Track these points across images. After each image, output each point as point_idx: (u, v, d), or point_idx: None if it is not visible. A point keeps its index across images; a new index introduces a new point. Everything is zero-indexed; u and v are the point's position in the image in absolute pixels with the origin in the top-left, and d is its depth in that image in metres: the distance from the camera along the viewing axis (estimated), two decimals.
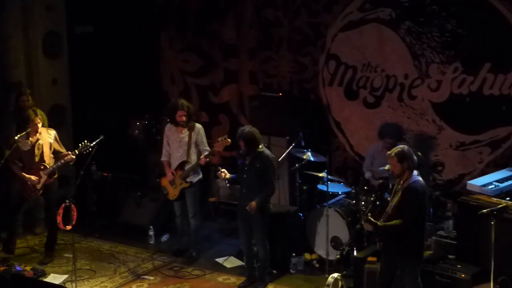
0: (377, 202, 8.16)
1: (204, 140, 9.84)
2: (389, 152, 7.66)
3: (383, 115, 10.63)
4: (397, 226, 7.42)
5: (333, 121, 11.14)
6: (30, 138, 9.64)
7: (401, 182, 7.58)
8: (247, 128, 8.96)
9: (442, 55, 10.06)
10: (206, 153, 9.68)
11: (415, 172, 7.58)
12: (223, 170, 9.16)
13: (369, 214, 7.60)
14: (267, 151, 9.07)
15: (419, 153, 9.71)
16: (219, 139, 9.41)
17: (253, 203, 8.86)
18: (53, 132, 9.85)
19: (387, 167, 7.98)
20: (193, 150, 9.78)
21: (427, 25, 10.12)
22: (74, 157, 9.54)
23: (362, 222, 7.72)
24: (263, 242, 9.09)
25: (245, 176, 9.00)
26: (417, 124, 10.38)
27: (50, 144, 9.72)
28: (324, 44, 11.05)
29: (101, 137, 9.27)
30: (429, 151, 10.21)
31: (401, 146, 7.69)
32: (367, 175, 9.86)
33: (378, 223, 7.50)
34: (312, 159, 10.00)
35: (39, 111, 9.88)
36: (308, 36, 11.20)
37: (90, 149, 9.29)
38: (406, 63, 10.36)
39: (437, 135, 10.25)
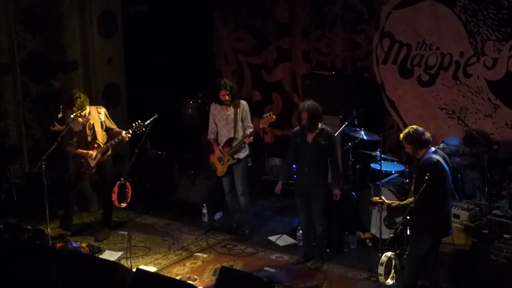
0: None
1: (249, 116, 9.84)
2: (400, 135, 7.62)
3: (438, 94, 10.53)
4: (408, 205, 7.38)
5: (387, 99, 11.07)
6: (80, 119, 9.69)
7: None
8: (309, 101, 8.92)
9: (498, 32, 9.90)
10: (250, 130, 9.70)
11: (432, 149, 7.46)
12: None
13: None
14: (328, 128, 9.05)
15: (473, 132, 9.64)
16: (265, 115, 9.41)
17: (338, 191, 9.00)
18: (103, 110, 9.92)
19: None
20: (239, 127, 9.78)
21: (483, 2, 9.97)
22: (128, 136, 9.59)
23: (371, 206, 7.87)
24: (322, 220, 9.08)
25: (308, 154, 8.94)
26: (472, 102, 10.25)
27: (101, 122, 9.80)
28: (378, 22, 10.97)
29: (156, 116, 9.29)
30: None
31: (409, 127, 7.57)
32: None
33: (392, 204, 7.57)
34: (365, 137, 9.94)
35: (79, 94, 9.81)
36: (362, 14, 11.13)
37: (143, 129, 9.34)
38: (462, 41, 10.23)
39: (492, 114, 10.12)
